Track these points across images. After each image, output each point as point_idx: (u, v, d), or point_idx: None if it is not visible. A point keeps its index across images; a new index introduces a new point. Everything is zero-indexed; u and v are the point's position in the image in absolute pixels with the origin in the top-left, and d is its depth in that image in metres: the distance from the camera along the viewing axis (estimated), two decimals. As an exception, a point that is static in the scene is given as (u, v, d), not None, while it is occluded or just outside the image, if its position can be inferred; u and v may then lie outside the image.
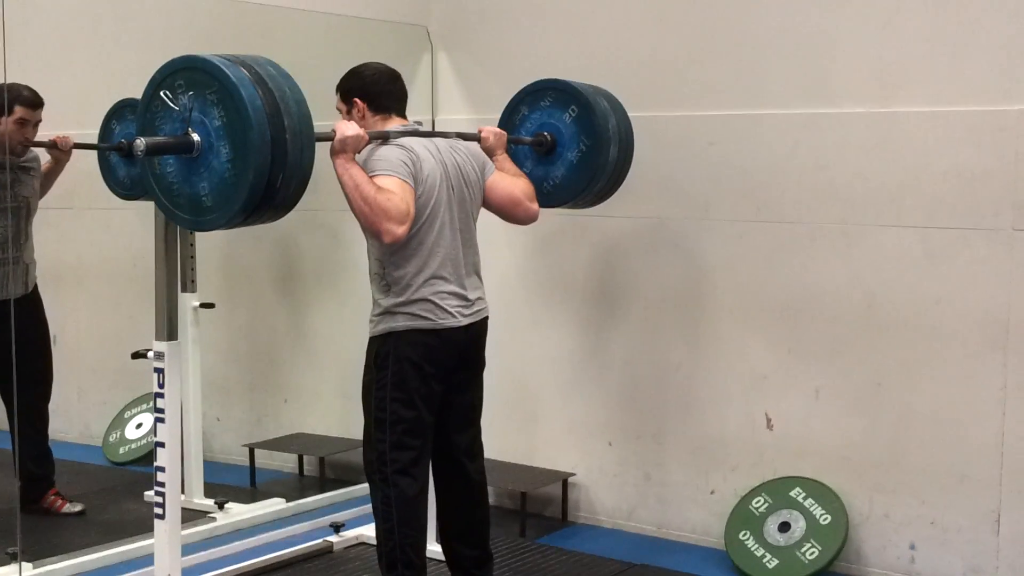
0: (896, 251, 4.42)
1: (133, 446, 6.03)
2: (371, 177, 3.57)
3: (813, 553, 4.47)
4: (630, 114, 4.51)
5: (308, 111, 3.27)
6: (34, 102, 4.84)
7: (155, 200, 3.38)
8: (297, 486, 5.73)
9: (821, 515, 4.53)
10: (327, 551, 4.74)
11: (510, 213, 4.03)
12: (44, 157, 5.09)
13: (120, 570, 4.38)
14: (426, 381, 3.78)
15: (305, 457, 5.90)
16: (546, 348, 5.29)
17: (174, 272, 3.67)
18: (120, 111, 5.15)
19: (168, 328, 3.64)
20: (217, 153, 3.17)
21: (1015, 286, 4.20)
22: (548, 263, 5.28)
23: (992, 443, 4.27)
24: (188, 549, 4.34)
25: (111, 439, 6.14)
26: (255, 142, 3.11)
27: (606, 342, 5.14)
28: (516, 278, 5.33)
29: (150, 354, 3.69)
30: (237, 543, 4.79)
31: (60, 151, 5.05)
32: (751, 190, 4.71)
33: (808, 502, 4.58)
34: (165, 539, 3.65)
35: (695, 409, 4.92)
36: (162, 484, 3.64)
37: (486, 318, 3.95)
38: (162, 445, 3.66)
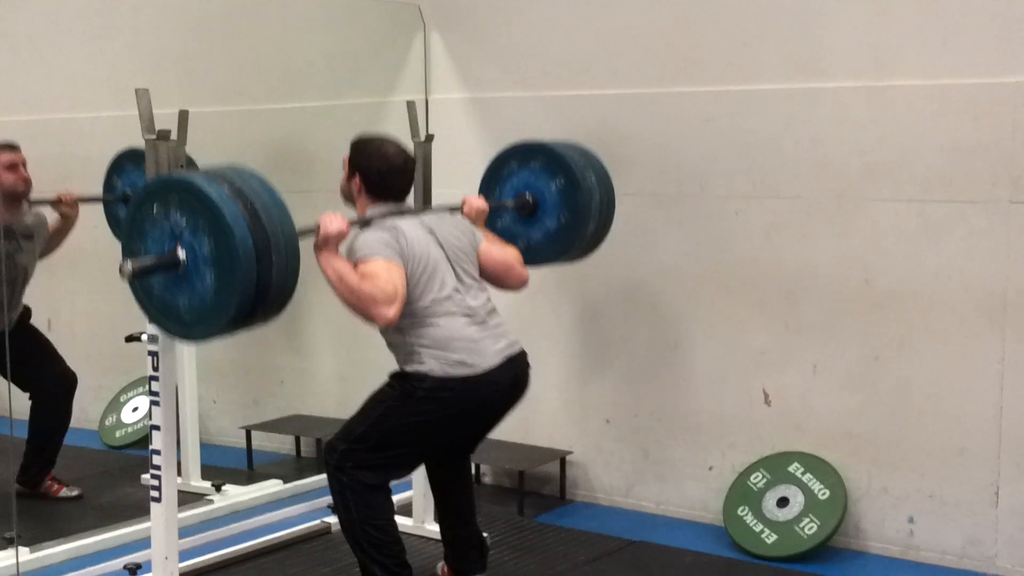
0: (893, 225, 4.41)
1: (129, 430, 6.03)
2: (356, 263, 3.56)
3: (812, 528, 4.47)
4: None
5: (294, 229, 3.23)
6: (11, 145, 4.88)
7: (142, 308, 3.36)
8: (294, 467, 5.73)
9: (819, 490, 4.53)
10: (325, 532, 4.73)
11: (503, 278, 4.02)
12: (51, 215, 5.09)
13: (118, 553, 4.37)
14: (448, 431, 3.77)
15: (302, 438, 5.89)
16: (543, 326, 5.27)
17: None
18: (124, 160, 5.17)
19: (162, 311, 3.61)
20: (202, 274, 3.14)
21: (1012, 259, 4.19)
22: (544, 241, 5.26)
23: (990, 416, 4.27)
24: (185, 531, 4.33)
25: (107, 423, 6.13)
26: (240, 269, 3.08)
27: (603, 319, 5.13)
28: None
29: (144, 337, 3.69)
30: (234, 525, 4.79)
31: (66, 206, 5.06)
32: (747, 166, 4.69)
33: (806, 477, 4.58)
34: (162, 522, 3.65)
35: (693, 386, 4.91)
36: (158, 467, 3.63)
37: (523, 353, 3.90)
38: (157, 428, 3.66)
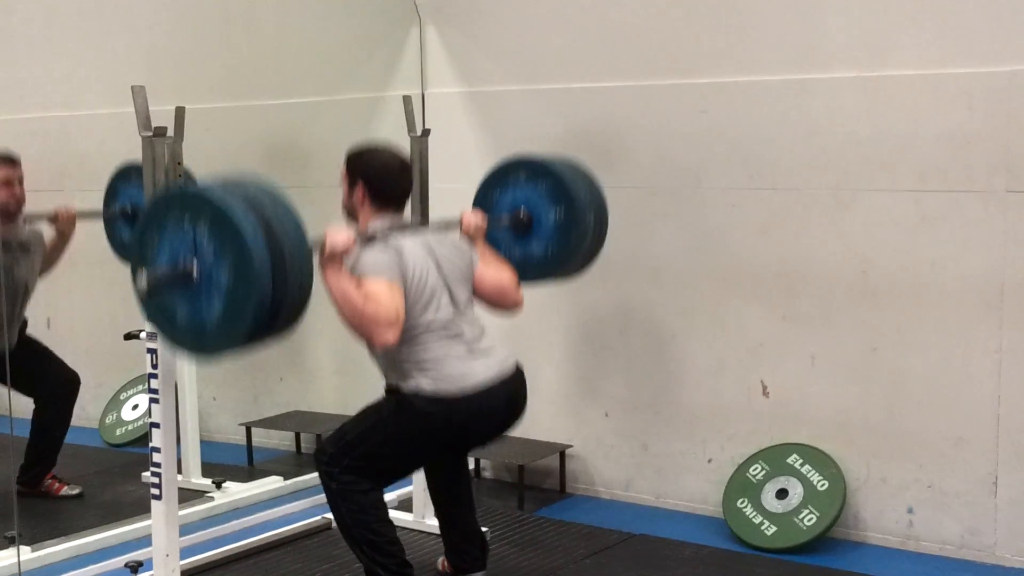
0: (889, 216, 4.41)
1: (129, 427, 6.04)
2: (359, 279, 3.57)
3: (811, 519, 4.48)
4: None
5: (308, 244, 3.23)
6: (11, 159, 4.81)
7: (157, 327, 3.32)
8: (295, 464, 5.73)
9: (818, 481, 4.54)
10: (326, 528, 4.74)
11: (498, 303, 4.02)
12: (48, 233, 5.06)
13: (119, 551, 4.37)
14: (438, 450, 3.82)
15: (302, 435, 5.90)
16: (541, 320, 5.27)
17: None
18: (123, 175, 5.14)
19: (160, 308, 3.62)
20: (215, 288, 3.10)
21: (1009, 248, 4.19)
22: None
23: (988, 406, 4.27)
24: (186, 529, 4.34)
25: (108, 421, 6.14)
26: (256, 283, 3.05)
27: (601, 313, 5.13)
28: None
29: (143, 335, 3.69)
30: (235, 522, 4.80)
31: (63, 223, 4.99)
32: (743, 158, 4.70)
33: (805, 468, 4.59)
34: (162, 519, 3.65)
35: (691, 378, 4.92)
36: (158, 464, 3.64)
37: (519, 370, 3.88)
38: (157, 426, 3.66)
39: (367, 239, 3.69)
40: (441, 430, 3.70)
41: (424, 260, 3.73)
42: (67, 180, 5.81)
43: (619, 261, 5.02)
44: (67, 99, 6.09)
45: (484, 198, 4.34)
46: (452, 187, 5.12)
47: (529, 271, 4.22)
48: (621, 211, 4.96)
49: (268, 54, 5.69)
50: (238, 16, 5.66)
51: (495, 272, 4.00)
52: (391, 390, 3.75)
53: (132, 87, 3.53)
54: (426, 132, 4.63)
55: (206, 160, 5.11)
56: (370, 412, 3.77)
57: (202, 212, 3.09)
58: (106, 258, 5.41)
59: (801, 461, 4.61)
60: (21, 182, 4.84)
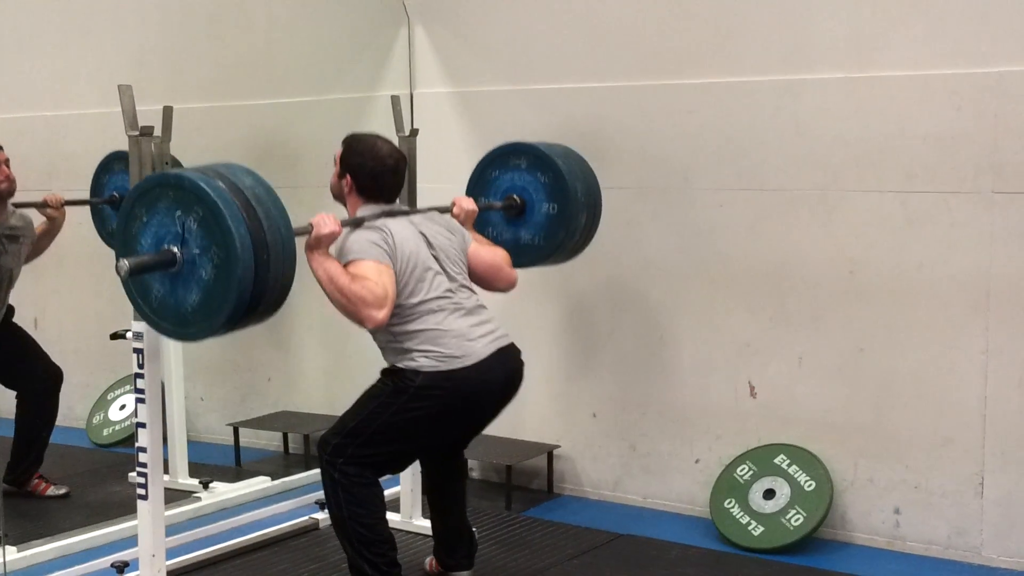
0: (877, 216, 4.42)
1: (117, 428, 6.02)
2: (346, 264, 3.56)
3: (798, 519, 4.48)
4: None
5: (290, 226, 3.22)
6: None
7: (136, 307, 3.32)
8: (282, 464, 5.72)
9: (805, 482, 4.54)
10: (313, 528, 4.73)
11: (493, 278, 4.01)
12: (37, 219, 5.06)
13: (105, 552, 4.36)
14: (440, 430, 3.77)
15: (290, 435, 5.89)
16: (530, 320, 5.27)
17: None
18: (111, 163, 5.14)
19: (146, 307, 3.61)
20: (199, 272, 3.10)
21: (996, 249, 4.20)
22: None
23: (975, 406, 4.28)
24: (173, 529, 4.33)
25: (95, 421, 6.12)
26: (239, 266, 3.05)
27: (589, 313, 5.13)
28: (497, 251, 5.31)
29: (129, 334, 3.68)
30: (222, 522, 4.78)
31: (53, 209, 5.03)
32: (731, 158, 4.70)
33: (792, 469, 4.59)
34: (148, 519, 3.65)
35: (679, 379, 4.92)
36: (144, 464, 3.63)
37: (514, 346, 3.89)
38: (143, 425, 3.65)
39: (354, 224, 3.68)
40: (441, 407, 3.68)
41: (413, 239, 3.72)
42: (54, 180, 5.79)
43: (607, 261, 5.03)
44: (54, 98, 6.07)
45: (482, 175, 4.37)
46: (440, 187, 5.11)
47: (515, 255, 4.24)
48: (609, 211, 4.96)
49: (256, 54, 5.69)
50: (226, 15, 5.66)
51: (489, 250, 4.02)
52: (388, 372, 3.73)
53: (119, 86, 3.52)
54: (414, 132, 4.63)
55: (194, 160, 5.11)
56: (368, 398, 3.75)
57: (193, 203, 3.08)
58: (93, 257, 5.41)
59: (788, 461, 4.62)
60: (8, 163, 4.84)
